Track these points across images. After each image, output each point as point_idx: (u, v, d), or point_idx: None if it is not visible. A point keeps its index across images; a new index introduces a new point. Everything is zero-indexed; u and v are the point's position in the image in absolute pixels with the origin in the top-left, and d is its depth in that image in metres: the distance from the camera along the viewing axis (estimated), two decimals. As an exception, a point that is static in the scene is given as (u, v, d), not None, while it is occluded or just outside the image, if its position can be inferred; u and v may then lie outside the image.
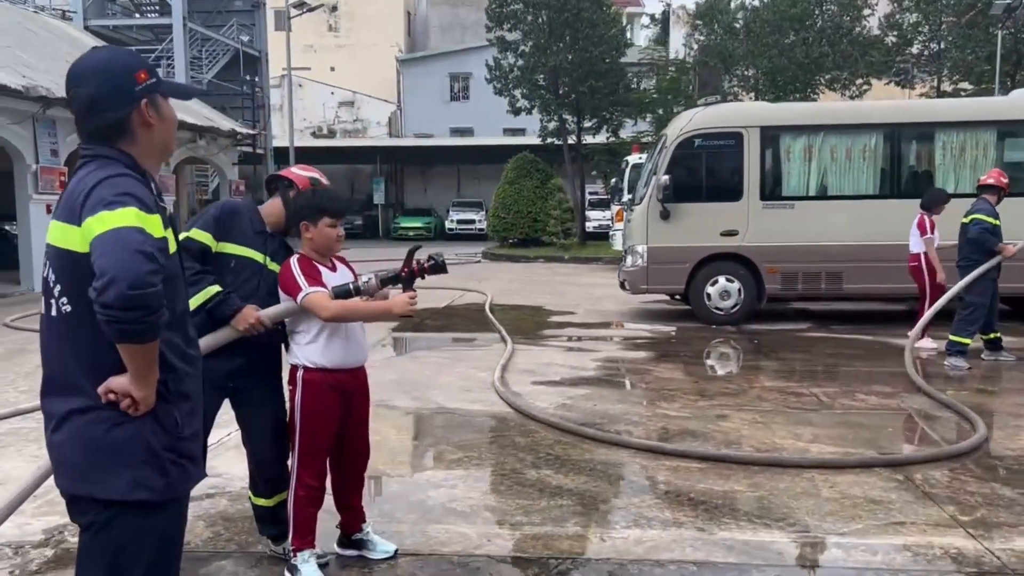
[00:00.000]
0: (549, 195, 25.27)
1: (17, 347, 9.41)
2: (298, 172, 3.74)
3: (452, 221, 36.02)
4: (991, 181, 8.20)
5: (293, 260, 3.41)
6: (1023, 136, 10.69)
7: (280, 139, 31.22)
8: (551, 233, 24.55)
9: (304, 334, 3.44)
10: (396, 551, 3.74)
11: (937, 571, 3.63)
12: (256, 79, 28.09)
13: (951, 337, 8.05)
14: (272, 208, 3.62)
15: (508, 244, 27.14)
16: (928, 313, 8.33)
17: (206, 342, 3.36)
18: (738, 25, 26.47)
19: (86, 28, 24.59)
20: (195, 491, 4.62)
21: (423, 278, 3.40)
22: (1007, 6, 21.40)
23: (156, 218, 1.84)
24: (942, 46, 26.77)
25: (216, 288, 3.34)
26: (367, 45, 46.70)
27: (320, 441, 3.50)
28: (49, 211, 15.68)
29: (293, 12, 24.75)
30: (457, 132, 41.06)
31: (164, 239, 1.85)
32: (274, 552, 3.72)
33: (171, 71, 24.83)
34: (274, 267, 3.50)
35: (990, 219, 7.88)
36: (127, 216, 1.76)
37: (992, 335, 8.23)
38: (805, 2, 24.50)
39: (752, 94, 27.65)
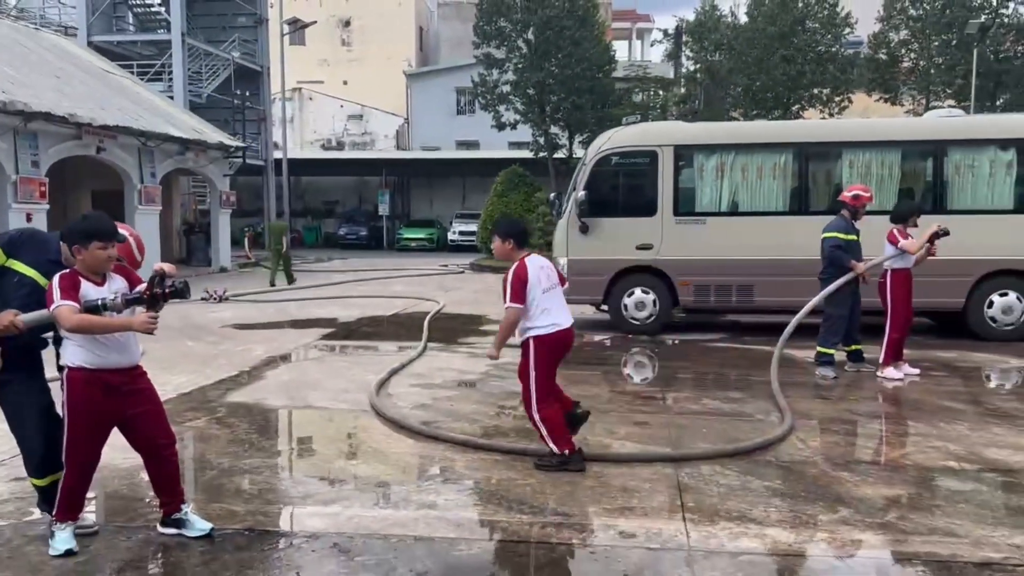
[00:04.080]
0: (534, 208, 25.78)
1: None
2: None
3: (454, 233, 36.60)
4: (846, 198, 8.54)
5: (57, 276, 3.89)
6: (929, 157, 10.97)
7: (290, 151, 32.07)
8: (532, 245, 24.98)
9: (70, 338, 3.97)
10: (212, 530, 4.15)
11: (606, 544, 4.11)
12: (249, 93, 28.94)
13: (817, 348, 8.45)
14: None
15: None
16: (790, 326, 8.40)
17: (-33, 339, 3.96)
18: (725, 43, 26.95)
19: (89, 44, 25.65)
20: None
21: (165, 301, 3.87)
22: (980, 25, 21.65)
23: None
24: (932, 62, 26.98)
25: None
26: (380, 59, 47.63)
27: (84, 432, 3.97)
28: (29, 219, 16.51)
29: (286, 29, 25.55)
30: (463, 145, 41.71)
31: None
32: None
33: (170, 85, 25.80)
34: None
35: (842, 235, 8.24)
36: None
37: (853, 347, 8.58)
38: (784, 22, 24.86)
39: (740, 110, 28.08)
